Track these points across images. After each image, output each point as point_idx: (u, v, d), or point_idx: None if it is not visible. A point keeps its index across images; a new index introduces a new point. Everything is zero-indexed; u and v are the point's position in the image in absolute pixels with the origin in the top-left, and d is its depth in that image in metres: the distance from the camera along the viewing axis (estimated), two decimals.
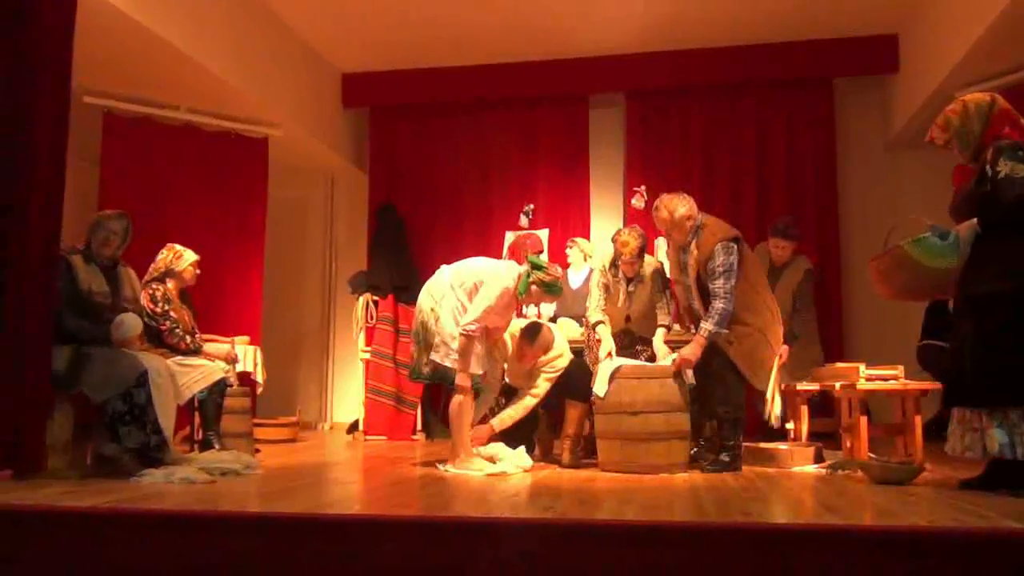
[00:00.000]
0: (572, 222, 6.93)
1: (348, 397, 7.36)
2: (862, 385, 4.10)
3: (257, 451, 4.84)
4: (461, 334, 3.92)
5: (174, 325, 4.34)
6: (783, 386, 4.59)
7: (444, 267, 4.24)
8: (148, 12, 4.78)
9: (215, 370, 4.35)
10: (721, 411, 4.01)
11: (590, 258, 5.67)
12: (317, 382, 7.61)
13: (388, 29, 6.43)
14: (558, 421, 4.53)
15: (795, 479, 3.67)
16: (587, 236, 6.72)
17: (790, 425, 4.97)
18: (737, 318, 3.98)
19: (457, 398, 3.98)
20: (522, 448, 4.14)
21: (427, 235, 7.11)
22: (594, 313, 4.40)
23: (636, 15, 6.17)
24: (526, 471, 3.91)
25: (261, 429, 5.70)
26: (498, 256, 6.37)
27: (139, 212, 4.13)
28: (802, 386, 4.81)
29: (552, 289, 4.11)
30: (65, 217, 3.52)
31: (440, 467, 4.01)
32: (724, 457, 3.94)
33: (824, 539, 2.13)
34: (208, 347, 4.54)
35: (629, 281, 4.43)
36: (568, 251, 5.86)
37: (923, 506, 2.71)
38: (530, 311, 5.51)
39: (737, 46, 6.57)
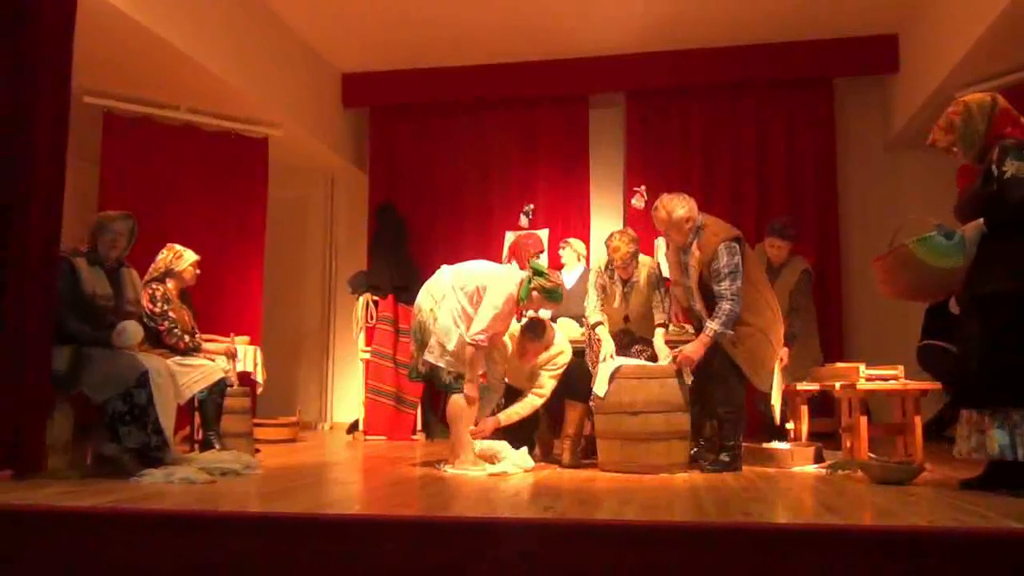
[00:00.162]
0: (572, 222, 6.92)
1: (348, 397, 7.36)
2: (862, 385, 4.11)
3: (257, 451, 4.84)
4: (469, 344, 3.92)
5: (172, 325, 4.34)
6: (783, 386, 4.59)
7: (444, 267, 4.23)
8: (148, 12, 4.78)
9: (215, 370, 4.36)
10: (722, 411, 4.01)
11: (583, 258, 5.69)
12: (317, 382, 7.60)
13: (388, 29, 6.43)
14: (558, 421, 4.53)
15: (795, 479, 3.67)
16: (587, 236, 6.74)
17: (790, 425, 4.97)
18: (739, 318, 3.98)
19: (456, 398, 3.97)
20: (524, 449, 4.14)
21: (427, 235, 7.11)
22: (593, 314, 4.41)
23: (636, 15, 6.17)
24: (526, 471, 3.91)
25: (261, 429, 5.70)
26: (498, 256, 6.38)
27: (139, 212, 4.12)
28: (802, 386, 4.81)
29: (553, 295, 4.11)
30: (65, 217, 3.51)
31: (440, 467, 4.01)
32: (724, 457, 3.94)
33: (824, 539, 2.13)
34: (208, 346, 4.55)
35: (625, 282, 4.44)
36: (561, 251, 5.86)
37: (923, 506, 2.71)
38: (528, 314, 5.49)
39: (737, 46, 6.57)
